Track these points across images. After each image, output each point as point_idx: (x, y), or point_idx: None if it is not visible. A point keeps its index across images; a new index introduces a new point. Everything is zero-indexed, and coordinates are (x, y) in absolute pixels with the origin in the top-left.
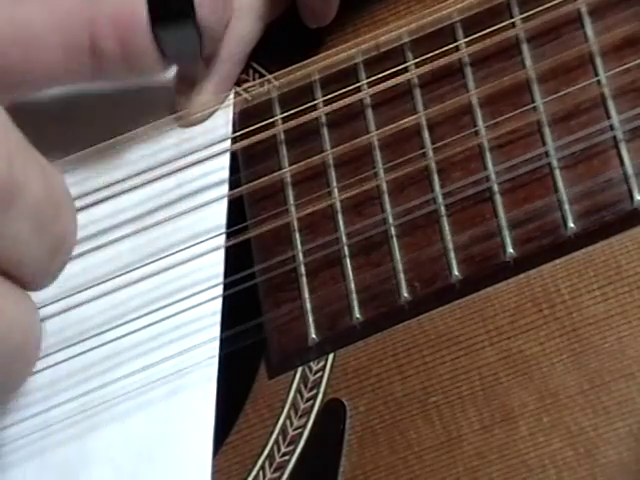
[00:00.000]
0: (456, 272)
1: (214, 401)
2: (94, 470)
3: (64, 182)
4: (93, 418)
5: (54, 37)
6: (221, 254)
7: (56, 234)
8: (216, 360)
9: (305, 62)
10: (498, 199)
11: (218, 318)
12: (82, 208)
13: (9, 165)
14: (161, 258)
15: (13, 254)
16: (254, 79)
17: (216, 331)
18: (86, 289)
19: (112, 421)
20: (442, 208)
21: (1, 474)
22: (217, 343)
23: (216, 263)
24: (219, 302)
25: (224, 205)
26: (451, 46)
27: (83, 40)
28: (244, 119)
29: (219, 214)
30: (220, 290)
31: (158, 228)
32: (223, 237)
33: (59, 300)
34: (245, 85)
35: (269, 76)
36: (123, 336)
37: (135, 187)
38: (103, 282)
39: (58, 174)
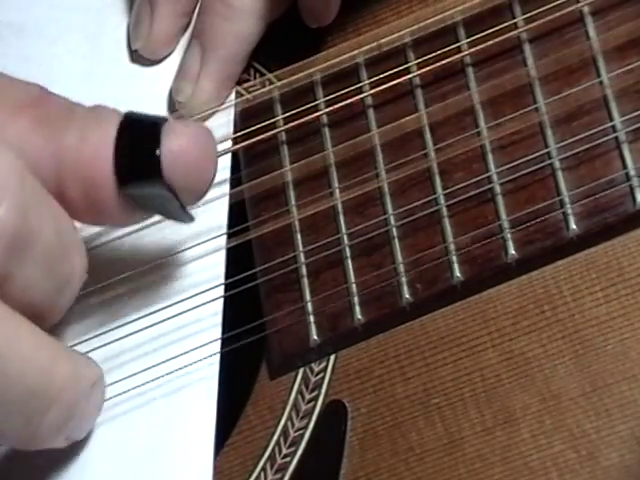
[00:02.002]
0: (458, 273)
1: (215, 402)
2: (95, 471)
3: (73, 223)
4: None
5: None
6: (222, 255)
7: (65, 274)
8: (217, 361)
9: (306, 61)
10: (500, 200)
11: (219, 319)
12: None
13: (24, 213)
14: (162, 259)
15: (24, 295)
16: (255, 79)
17: (217, 332)
18: (87, 290)
19: (114, 421)
20: (444, 209)
21: (3, 474)
22: (218, 344)
23: (217, 264)
24: (220, 303)
25: (225, 205)
26: (453, 46)
27: (50, 185)
28: (245, 119)
29: (220, 214)
30: (221, 291)
31: (159, 229)
32: (224, 238)
33: None
34: (246, 85)
35: (270, 75)
36: (124, 337)
37: None
38: (104, 282)
39: (68, 217)
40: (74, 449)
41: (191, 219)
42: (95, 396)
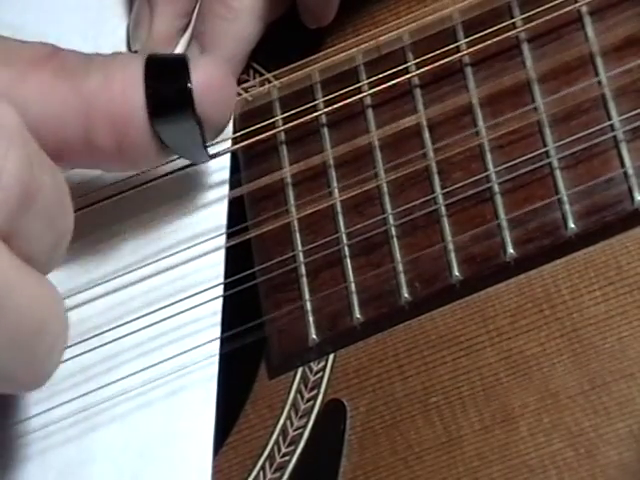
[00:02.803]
0: (456, 272)
1: (214, 401)
2: (95, 470)
3: (65, 181)
4: (94, 419)
5: (48, 127)
6: (222, 254)
7: (62, 229)
8: (216, 360)
9: (305, 61)
10: (498, 199)
11: (218, 318)
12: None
13: (30, 166)
14: (162, 258)
15: (26, 248)
16: (254, 79)
17: (217, 331)
18: (86, 289)
19: (113, 421)
20: (442, 208)
21: (2, 474)
22: (217, 343)
23: (217, 263)
24: (219, 302)
25: (225, 205)
26: (452, 46)
27: (77, 134)
28: (244, 119)
29: (220, 214)
30: (220, 290)
31: (158, 229)
32: (224, 237)
33: None
34: (245, 85)
35: (269, 75)
36: (124, 336)
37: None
38: (103, 282)
39: (61, 174)
40: (75, 448)
41: (208, 158)
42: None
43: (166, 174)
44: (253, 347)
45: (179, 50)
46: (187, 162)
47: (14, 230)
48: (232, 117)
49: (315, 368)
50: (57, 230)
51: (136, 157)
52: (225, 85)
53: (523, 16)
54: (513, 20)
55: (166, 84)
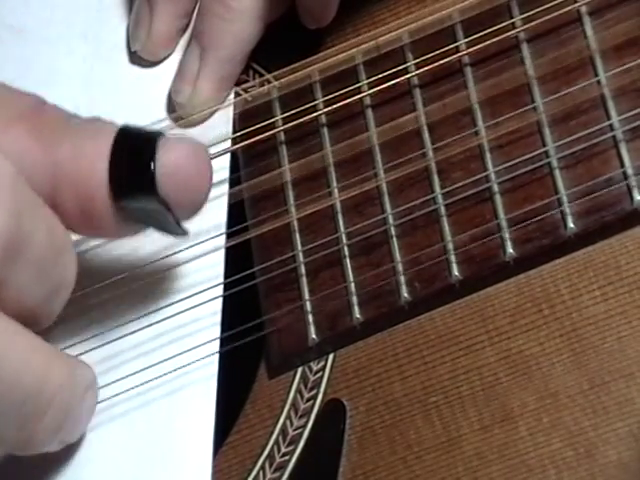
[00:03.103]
0: (456, 272)
1: (214, 401)
2: (94, 471)
3: (64, 228)
4: (94, 418)
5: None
6: (221, 254)
7: (57, 279)
8: (216, 360)
9: (305, 62)
10: (498, 199)
11: (218, 318)
12: None
13: (18, 219)
14: (161, 258)
15: (17, 300)
16: (254, 79)
17: (216, 331)
18: (85, 290)
19: (112, 421)
20: (442, 208)
21: (3, 472)
22: (217, 343)
23: (216, 263)
24: (219, 302)
25: (224, 205)
26: (451, 46)
27: (45, 195)
28: (244, 119)
29: (219, 214)
30: (220, 290)
31: None
32: (223, 237)
33: None
34: (245, 85)
35: (268, 75)
36: (123, 337)
37: None
38: (103, 282)
39: (59, 222)
40: (73, 449)
41: (185, 234)
42: (89, 399)
43: None
44: (253, 347)
45: (179, 51)
46: None
47: (1, 279)
48: (232, 112)
49: (315, 368)
50: (52, 280)
51: (100, 228)
52: (195, 171)
53: (522, 16)
54: (513, 20)
55: (130, 163)
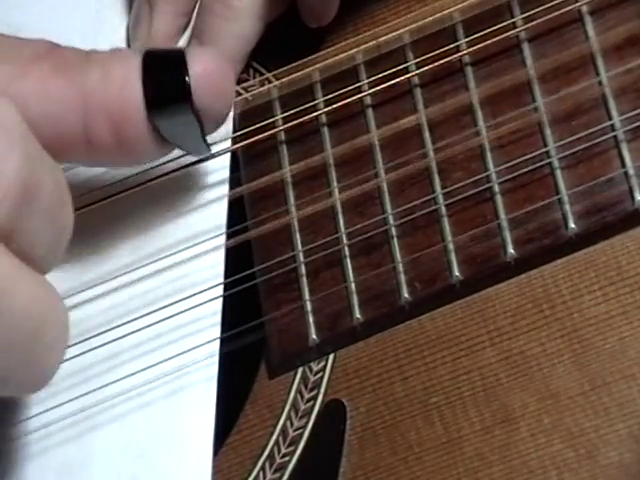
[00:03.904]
0: (457, 272)
1: (214, 401)
2: (94, 471)
3: (65, 177)
4: (93, 419)
5: (47, 123)
6: (221, 254)
7: (62, 225)
8: (216, 360)
9: (305, 60)
10: (499, 199)
11: (218, 318)
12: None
13: (32, 163)
14: (161, 258)
15: (28, 243)
16: (254, 79)
17: (216, 331)
18: (86, 289)
19: (112, 422)
20: (443, 208)
21: (1, 474)
22: (217, 343)
23: (216, 263)
24: (219, 302)
25: (224, 205)
26: (452, 46)
27: (76, 130)
28: (244, 119)
29: (219, 214)
30: (220, 290)
31: (158, 228)
32: (223, 237)
33: None
34: (245, 84)
35: (269, 75)
36: (123, 336)
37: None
38: (103, 282)
39: (61, 170)
40: (74, 449)
41: (208, 150)
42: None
43: (166, 173)
44: (253, 347)
45: None
46: (187, 161)
47: (15, 227)
48: (232, 112)
49: (315, 368)
50: (57, 226)
51: (135, 151)
52: (223, 76)
53: (523, 15)
54: (513, 20)
55: (163, 78)
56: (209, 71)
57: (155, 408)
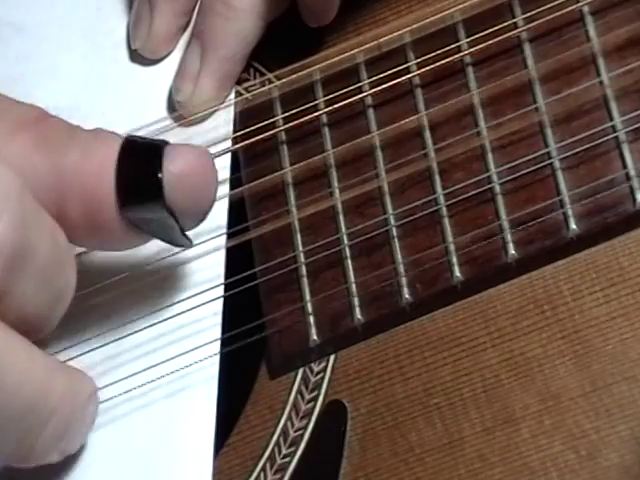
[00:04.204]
0: (458, 273)
1: (215, 402)
2: (95, 471)
3: (65, 237)
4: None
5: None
6: (222, 255)
7: (59, 288)
8: (217, 361)
9: (306, 61)
10: (500, 200)
11: (219, 319)
12: None
13: (23, 228)
14: (162, 258)
15: (19, 310)
16: (255, 78)
17: (217, 332)
18: (86, 290)
19: (113, 422)
20: (444, 209)
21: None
22: (218, 344)
23: (217, 264)
24: (220, 303)
25: (225, 205)
26: (453, 46)
27: (51, 207)
28: (245, 119)
29: (220, 214)
30: (221, 291)
31: None
32: (224, 237)
33: None
34: (246, 84)
35: (270, 75)
36: (124, 337)
37: None
38: (104, 282)
39: (62, 234)
40: (79, 449)
41: (190, 244)
42: (90, 409)
43: None
44: (253, 347)
45: (179, 49)
46: None
47: (5, 290)
48: (233, 111)
49: (316, 369)
50: (54, 290)
51: (108, 238)
52: (202, 178)
53: (525, 16)
54: (515, 20)
55: (136, 172)
56: (185, 172)
57: (156, 409)
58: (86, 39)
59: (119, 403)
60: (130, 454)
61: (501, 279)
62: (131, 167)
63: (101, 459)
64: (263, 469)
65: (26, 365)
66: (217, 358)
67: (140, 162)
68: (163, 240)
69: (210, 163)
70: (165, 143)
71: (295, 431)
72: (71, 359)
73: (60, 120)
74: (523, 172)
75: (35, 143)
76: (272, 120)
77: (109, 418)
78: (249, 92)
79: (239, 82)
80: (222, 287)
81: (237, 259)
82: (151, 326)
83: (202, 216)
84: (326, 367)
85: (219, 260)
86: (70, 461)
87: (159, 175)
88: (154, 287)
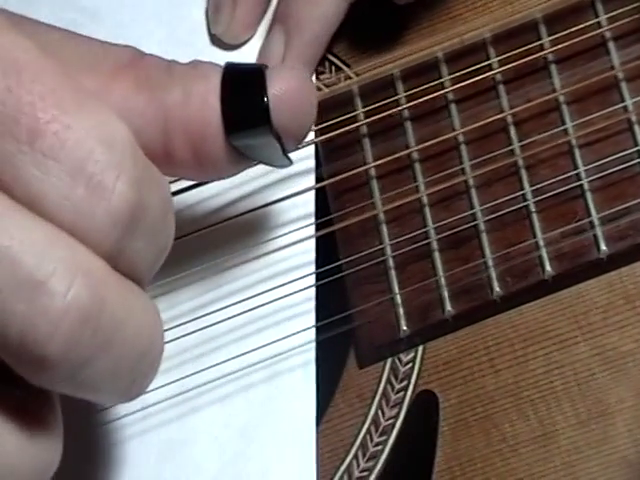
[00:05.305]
0: (548, 268)
1: (314, 384)
2: (196, 448)
3: (169, 187)
4: (193, 401)
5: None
6: (312, 242)
7: (165, 242)
8: (314, 346)
9: (384, 59)
10: (589, 196)
11: (312, 305)
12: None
13: (139, 188)
14: (254, 246)
15: (130, 266)
16: (331, 72)
17: (311, 318)
18: (180, 276)
19: (213, 404)
20: (532, 205)
21: (103, 454)
22: (313, 330)
23: (307, 250)
24: (313, 290)
25: (312, 194)
26: (535, 44)
27: (157, 145)
28: (325, 112)
29: (308, 203)
30: (313, 278)
31: (250, 218)
32: (313, 226)
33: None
34: (322, 77)
35: (349, 71)
36: (220, 322)
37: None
38: (199, 267)
39: (168, 186)
40: (175, 428)
41: (290, 163)
42: None
43: None
44: (341, 337)
45: (259, 35)
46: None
47: (121, 251)
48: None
49: (405, 359)
50: (159, 246)
51: (214, 169)
52: (304, 95)
53: (608, 15)
54: (598, 19)
55: (242, 99)
56: (289, 91)
57: (255, 390)
58: (161, 24)
59: (219, 385)
60: (232, 432)
61: (591, 274)
62: (236, 95)
63: (203, 436)
64: (355, 456)
65: (144, 314)
66: (313, 344)
67: (244, 89)
68: (265, 163)
69: (309, 82)
70: (265, 67)
71: (386, 420)
72: (167, 342)
73: (156, 57)
74: (612, 170)
75: (136, 85)
76: (353, 114)
77: (209, 399)
78: (327, 86)
79: (317, 76)
80: (314, 275)
81: (320, 251)
82: (246, 312)
83: (304, 135)
84: (415, 358)
85: (309, 247)
86: (171, 439)
87: (265, 99)
88: (247, 272)
